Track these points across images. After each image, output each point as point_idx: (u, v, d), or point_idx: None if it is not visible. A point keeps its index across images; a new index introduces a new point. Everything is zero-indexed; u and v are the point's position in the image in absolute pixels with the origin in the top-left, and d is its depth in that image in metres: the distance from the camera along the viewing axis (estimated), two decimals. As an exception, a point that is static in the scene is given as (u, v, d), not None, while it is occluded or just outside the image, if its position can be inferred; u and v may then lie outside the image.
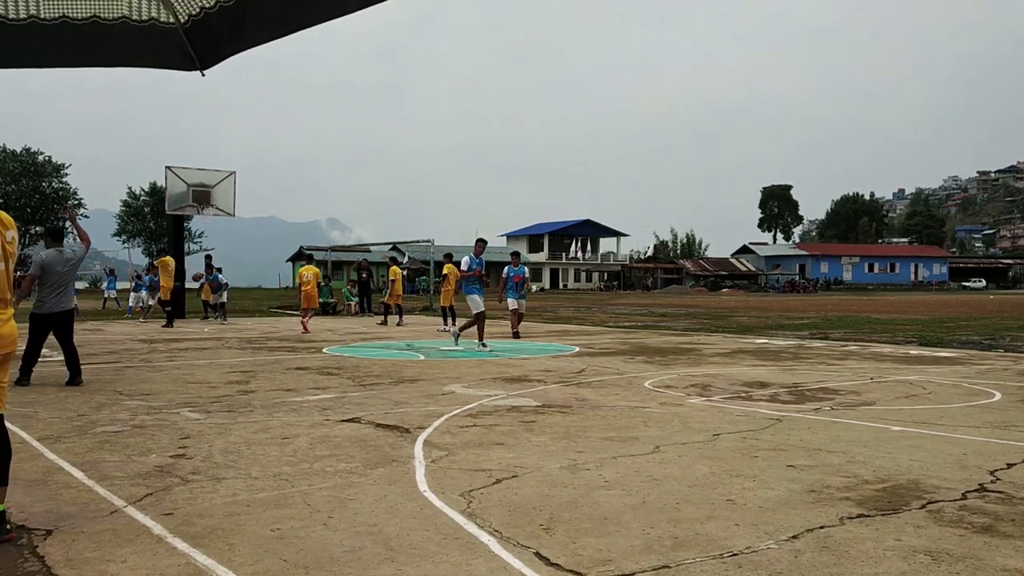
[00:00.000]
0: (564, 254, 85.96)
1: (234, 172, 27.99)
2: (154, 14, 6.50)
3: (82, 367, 9.04)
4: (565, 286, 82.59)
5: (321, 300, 28.50)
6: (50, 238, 9.03)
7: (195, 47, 6.65)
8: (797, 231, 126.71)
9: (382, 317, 22.36)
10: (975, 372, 10.28)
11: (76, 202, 61.42)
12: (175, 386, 8.77)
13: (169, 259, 22.44)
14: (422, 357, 12.41)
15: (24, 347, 8.50)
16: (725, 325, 21.29)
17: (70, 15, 6.38)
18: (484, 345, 13.46)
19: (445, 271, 19.67)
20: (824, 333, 18.05)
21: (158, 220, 63.93)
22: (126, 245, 67.12)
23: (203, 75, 6.96)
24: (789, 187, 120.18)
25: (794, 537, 3.60)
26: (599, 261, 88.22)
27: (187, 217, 31.99)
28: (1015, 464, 5.02)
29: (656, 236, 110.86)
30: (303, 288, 19.19)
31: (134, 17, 6.50)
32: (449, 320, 19.58)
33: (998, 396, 8.08)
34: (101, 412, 7.02)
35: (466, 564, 3.26)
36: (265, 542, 3.53)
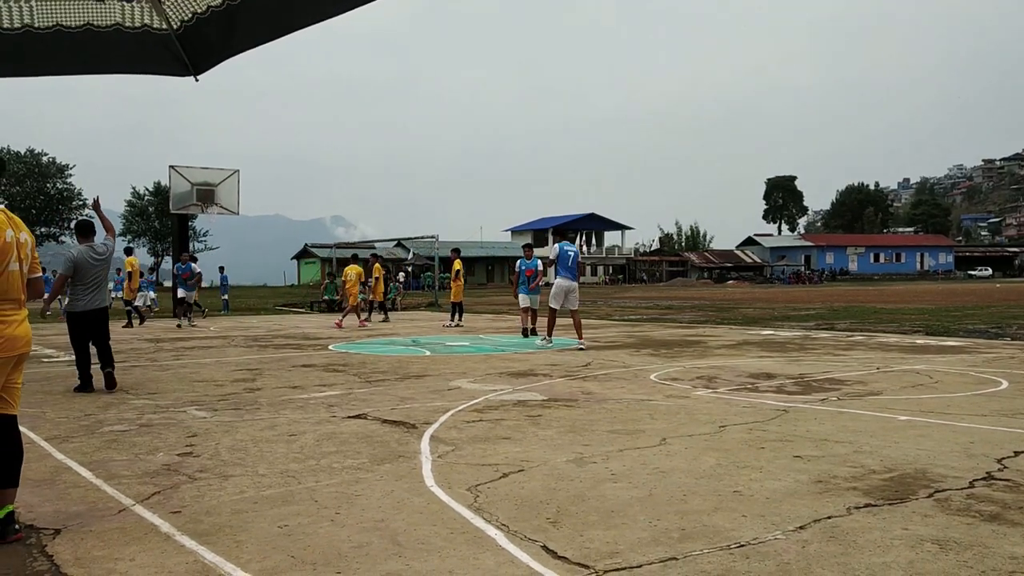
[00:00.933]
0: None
1: (238, 171, 28.02)
2: (147, 21, 6.51)
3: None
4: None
5: (327, 297, 28.57)
6: (80, 234, 8.67)
7: (188, 53, 6.66)
8: (802, 222, 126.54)
9: (384, 315, 22.43)
10: (982, 361, 10.25)
11: (81, 202, 61.50)
12: (182, 385, 8.79)
13: (135, 259, 22.30)
14: (428, 353, 12.43)
15: (74, 355, 8.53)
16: (731, 317, 21.26)
17: (64, 23, 6.40)
18: (548, 340, 13.01)
19: (456, 267, 19.64)
20: (830, 324, 18.01)
21: (163, 219, 64.15)
22: (131, 245, 67.40)
23: (196, 80, 6.97)
24: (794, 178, 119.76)
25: (801, 528, 3.59)
26: (604, 255, 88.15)
27: (191, 216, 32.07)
28: (1022, 452, 5.00)
29: (661, 229, 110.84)
30: (345, 286, 20.11)
31: (127, 24, 6.51)
32: (456, 316, 19.57)
33: (1005, 384, 8.05)
34: (108, 411, 7.04)
35: (473, 558, 3.27)
36: (273, 539, 3.54)
